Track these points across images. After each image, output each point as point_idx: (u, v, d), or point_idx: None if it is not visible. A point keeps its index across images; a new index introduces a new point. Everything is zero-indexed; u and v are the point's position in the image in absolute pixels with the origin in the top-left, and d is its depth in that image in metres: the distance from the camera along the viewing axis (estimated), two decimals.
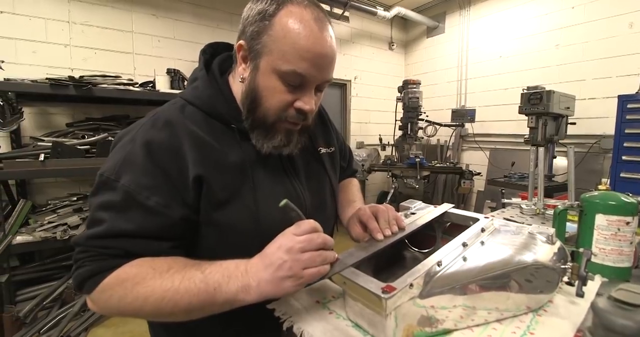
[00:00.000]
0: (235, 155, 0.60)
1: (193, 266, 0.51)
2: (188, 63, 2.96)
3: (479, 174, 3.49)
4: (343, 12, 3.60)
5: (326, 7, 3.52)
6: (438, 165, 3.50)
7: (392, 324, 0.48)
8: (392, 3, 4.05)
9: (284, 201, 0.51)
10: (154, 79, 2.54)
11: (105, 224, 0.51)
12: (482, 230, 0.64)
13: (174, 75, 2.63)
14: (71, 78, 2.10)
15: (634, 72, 2.54)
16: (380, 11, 3.85)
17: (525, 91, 2.52)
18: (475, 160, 3.90)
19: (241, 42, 0.58)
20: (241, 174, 0.60)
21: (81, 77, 2.18)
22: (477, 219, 0.69)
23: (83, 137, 2.25)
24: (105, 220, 0.52)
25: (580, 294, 0.59)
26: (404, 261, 0.77)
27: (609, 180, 2.38)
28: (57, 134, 2.30)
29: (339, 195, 0.86)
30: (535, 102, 2.49)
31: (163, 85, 2.54)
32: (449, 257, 0.55)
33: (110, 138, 2.24)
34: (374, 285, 0.45)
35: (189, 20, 2.99)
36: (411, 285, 0.46)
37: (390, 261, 0.75)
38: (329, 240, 0.51)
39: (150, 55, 2.81)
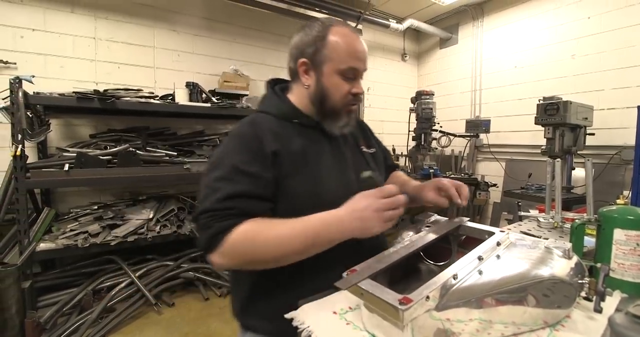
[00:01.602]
0: (297, 142, 0.80)
1: (295, 220, 0.68)
2: (206, 76, 3.07)
3: (494, 185, 3.43)
4: (356, 25, 3.67)
5: None
6: (452, 176, 3.46)
7: (408, 336, 0.49)
8: (405, 15, 4.11)
9: (368, 173, 0.76)
10: (174, 92, 2.64)
11: (222, 191, 0.69)
12: (498, 244, 0.65)
13: (193, 88, 2.72)
14: (96, 91, 2.21)
15: None
16: (392, 24, 3.91)
17: (541, 102, 2.52)
18: (490, 171, 3.84)
19: (303, 59, 0.81)
20: (302, 156, 0.79)
21: (105, 90, 2.29)
22: (493, 233, 0.70)
23: (105, 148, 2.34)
24: (221, 188, 0.69)
25: (598, 310, 0.58)
26: (419, 274, 0.78)
27: (630, 192, 2.31)
28: (81, 144, 2.41)
29: (392, 181, 1.07)
30: (551, 112, 2.47)
31: (182, 98, 2.63)
32: (464, 270, 0.56)
33: (131, 149, 2.33)
34: (391, 296, 0.46)
35: (207, 35, 3.11)
36: (427, 297, 0.48)
37: (406, 273, 0.76)
38: (401, 200, 0.67)
39: (171, 69, 2.93)
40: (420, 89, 3.47)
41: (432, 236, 0.69)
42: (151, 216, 2.43)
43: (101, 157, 2.22)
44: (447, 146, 3.75)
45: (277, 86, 0.92)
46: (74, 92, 2.19)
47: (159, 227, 2.40)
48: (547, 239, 0.70)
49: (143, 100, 2.39)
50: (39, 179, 2.02)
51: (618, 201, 0.77)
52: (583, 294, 0.61)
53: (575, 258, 0.64)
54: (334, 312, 0.61)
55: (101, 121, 2.66)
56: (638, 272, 0.71)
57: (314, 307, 0.63)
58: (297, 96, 0.87)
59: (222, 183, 0.70)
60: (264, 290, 0.78)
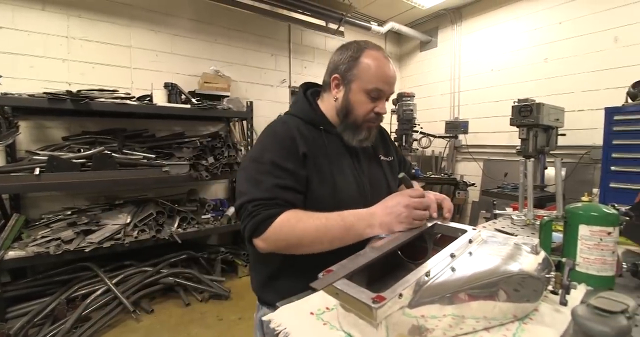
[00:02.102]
0: (321, 148, 0.89)
1: (331, 213, 0.76)
2: (186, 77, 3.01)
3: (473, 184, 3.53)
4: (338, 27, 3.70)
5: (321, 23, 3.63)
6: (433, 176, 3.54)
7: (383, 334, 0.50)
8: (386, 18, 4.18)
9: (402, 174, 0.83)
10: (152, 93, 2.58)
11: (266, 183, 0.78)
12: (470, 241, 0.67)
13: (172, 89, 2.66)
14: (69, 92, 2.13)
15: (620, 85, 2.62)
16: (374, 26, 3.97)
17: (516, 104, 2.61)
18: (469, 171, 3.95)
19: (336, 75, 0.90)
20: (326, 160, 0.88)
21: (79, 91, 2.21)
22: (466, 231, 0.72)
23: (79, 151, 2.26)
24: (264, 180, 0.79)
25: (563, 303, 0.61)
26: (397, 272, 0.79)
27: (599, 190, 2.43)
28: (53, 147, 2.31)
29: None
30: (525, 114, 2.57)
31: (160, 99, 2.57)
32: (437, 267, 0.57)
33: (107, 151, 2.25)
34: (364, 295, 0.47)
35: (187, 35, 3.06)
36: (400, 295, 0.48)
37: (383, 272, 0.77)
38: (432, 203, 0.78)
39: (149, 70, 2.86)
40: (402, 91, 3.53)
41: (407, 235, 0.70)
42: (128, 221, 2.36)
43: (74, 161, 2.14)
44: (427, 147, 3.84)
45: (309, 91, 1.00)
46: (44, 93, 2.10)
47: (136, 232, 2.33)
48: (520, 235, 0.72)
49: (119, 101, 2.33)
50: (6, 184, 1.93)
51: (583, 199, 0.80)
52: (550, 287, 0.64)
53: (542, 253, 0.67)
54: (311, 313, 0.61)
55: (75, 123, 2.57)
56: (602, 266, 0.74)
57: (291, 309, 0.63)
58: (326, 105, 0.95)
59: (264, 176, 0.79)
60: (285, 273, 0.87)
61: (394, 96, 3.57)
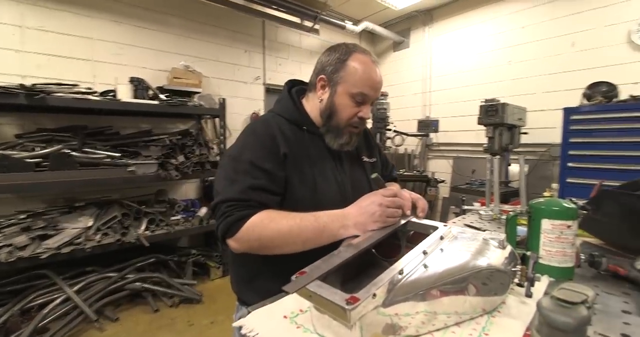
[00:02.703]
0: (303, 149, 0.87)
1: (305, 214, 0.76)
2: (153, 72, 2.87)
3: (443, 181, 3.65)
4: (313, 25, 3.68)
5: (296, 20, 3.60)
6: (406, 173, 3.62)
7: (357, 334, 0.49)
8: (361, 18, 4.21)
9: (374, 175, 0.83)
10: (116, 88, 2.43)
11: (241, 183, 0.77)
12: (441, 238, 0.68)
13: (138, 84, 2.52)
14: (22, 86, 1.96)
15: (577, 86, 2.80)
16: (348, 25, 3.98)
17: (483, 104, 2.72)
18: (439, 168, 4.08)
19: (322, 76, 0.89)
20: (308, 161, 0.87)
21: (34, 85, 2.04)
22: (437, 227, 0.73)
23: (33, 150, 2.09)
24: (240, 180, 0.78)
25: (529, 295, 0.63)
26: (371, 270, 0.79)
27: (558, 185, 2.59)
28: (5, 146, 2.12)
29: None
30: (492, 113, 2.68)
31: (126, 94, 2.43)
32: (410, 265, 0.57)
33: (65, 150, 2.10)
34: (338, 297, 0.46)
35: (154, 27, 2.91)
36: (374, 295, 0.48)
37: (358, 270, 0.77)
38: (404, 201, 0.79)
39: (112, 63, 2.70)
40: None
41: (380, 234, 0.70)
42: (90, 224, 2.21)
43: (28, 160, 1.98)
44: (400, 145, 3.91)
45: (294, 89, 0.98)
46: None
47: (99, 236, 2.19)
48: (487, 230, 0.75)
49: (79, 96, 2.17)
50: None
51: (545, 194, 0.84)
52: (516, 280, 0.66)
53: (508, 248, 0.69)
54: (285, 316, 0.60)
55: (29, 119, 2.37)
56: (563, 258, 0.78)
57: (264, 313, 0.61)
58: (311, 105, 0.94)
59: (241, 176, 0.79)
60: (265, 273, 0.86)
61: None
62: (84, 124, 2.48)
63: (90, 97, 2.22)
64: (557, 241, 0.78)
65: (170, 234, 2.52)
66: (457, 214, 3.62)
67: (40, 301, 2.01)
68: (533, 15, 3.18)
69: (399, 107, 4.43)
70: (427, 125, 3.76)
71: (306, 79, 1.04)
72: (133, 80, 2.53)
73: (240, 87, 3.52)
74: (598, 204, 0.99)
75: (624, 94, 2.41)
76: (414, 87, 4.33)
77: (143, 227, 2.42)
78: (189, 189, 3.22)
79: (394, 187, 1.11)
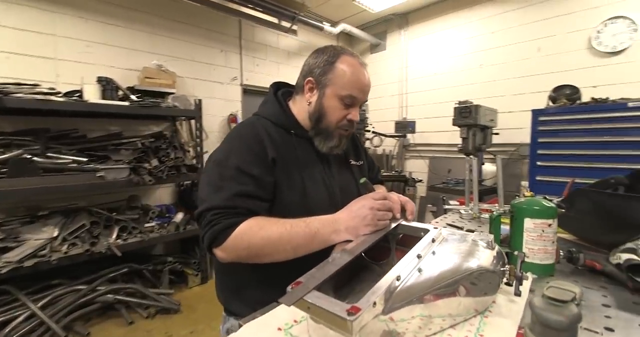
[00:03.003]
0: (291, 153, 0.86)
1: (295, 220, 0.73)
2: (123, 71, 2.73)
3: (420, 181, 3.75)
4: (291, 26, 3.66)
5: (274, 20, 3.56)
6: (384, 173, 3.67)
7: None
8: (338, 19, 4.23)
9: (363, 179, 0.84)
10: (82, 88, 2.29)
11: (228, 190, 0.74)
12: (433, 240, 0.68)
13: (107, 84, 2.38)
14: None
15: (543, 89, 2.96)
16: (326, 26, 3.99)
17: (457, 105, 2.82)
18: (416, 168, 4.17)
19: (310, 78, 0.88)
20: (296, 165, 0.85)
21: None
22: (428, 230, 0.73)
23: None
24: (226, 187, 0.75)
25: (518, 294, 0.65)
26: (362, 274, 0.78)
27: (528, 183, 2.72)
28: None
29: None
30: (465, 115, 2.77)
31: (93, 95, 2.29)
32: (406, 270, 0.57)
33: (26, 155, 1.94)
34: (338, 308, 0.44)
35: (124, 24, 2.77)
36: (374, 303, 0.47)
37: (349, 275, 0.76)
38: (393, 204, 0.77)
39: (77, 62, 2.54)
40: None
41: (373, 238, 0.69)
42: (55, 234, 2.06)
43: None
44: (379, 146, 3.97)
45: (280, 91, 0.96)
46: None
47: (66, 246, 2.05)
48: (471, 230, 0.76)
49: (41, 97, 2.02)
50: None
51: (526, 194, 0.87)
52: (504, 280, 0.68)
53: (496, 248, 0.71)
54: (279, 329, 0.57)
55: None
56: (544, 255, 0.81)
57: (256, 326, 0.58)
58: (298, 108, 0.92)
59: (227, 182, 0.76)
60: (254, 282, 0.84)
61: None
62: (46, 127, 2.31)
63: (53, 98, 2.07)
64: (539, 239, 0.81)
65: (144, 242, 2.40)
66: (433, 213, 3.71)
67: (1, 319, 1.84)
68: (502, 21, 3.33)
69: (377, 109, 4.49)
70: (404, 127, 3.83)
71: (287, 81, 1.02)
72: (101, 80, 2.38)
73: (216, 88, 3.43)
74: (572, 202, 1.04)
75: (585, 97, 2.57)
76: (391, 89, 4.41)
77: (114, 235, 2.28)
78: (163, 194, 3.09)
79: (381, 190, 1.11)
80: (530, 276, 0.79)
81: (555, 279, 0.81)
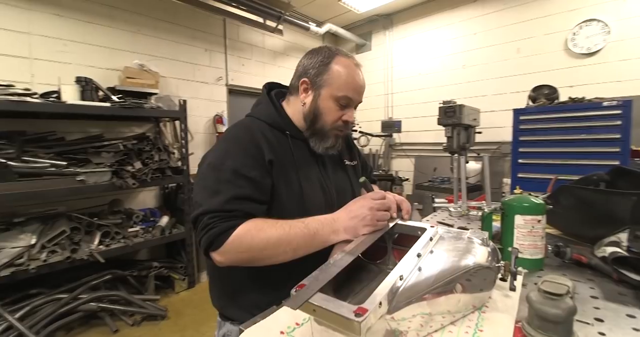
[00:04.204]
0: (287, 154, 0.85)
1: (294, 220, 0.73)
2: (103, 71, 2.64)
3: (407, 179, 3.80)
4: (277, 26, 3.63)
5: (260, 20, 3.52)
6: (373, 173, 3.70)
7: None
8: (324, 20, 4.23)
9: (362, 178, 0.83)
10: (59, 89, 2.19)
11: (225, 193, 0.73)
12: (431, 239, 0.69)
13: (86, 85, 2.30)
14: None
15: (523, 89, 3.06)
16: (312, 26, 3.98)
17: (441, 105, 2.87)
18: (403, 167, 4.23)
19: (305, 79, 0.87)
20: (293, 166, 0.85)
21: None
22: (425, 229, 0.74)
23: None
24: (223, 190, 0.73)
25: (513, 289, 0.66)
26: (360, 274, 0.78)
27: (510, 180, 2.80)
28: None
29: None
30: (450, 114, 2.83)
31: (71, 95, 2.20)
32: (407, 269, 0.57)
33: (0, 160, 1.85)
34: (345, 309, 0.44)
35: (103, 23, 2.68)
36: (380, 303, 0.47)
37: (348, 275, 0.75)
38: (392, 203, 0.79)
39: (54, 61, 2.43)
40: None
41: (372, 238, 0.70)
42: (33, 242, 1.97)
43: None
44: (366, 145, 4.00)
45: (273, 92, 0.95)
46: None
47: (45, 254, 1.96)
48: (464, 228, 0.77)
49: (15, 98, 1.93)
50: None
51: (515, 191, 0.90)
52: (499, 275, 0.69)
53: (491, 244, 0.72)
54: (282, 332, 0.56)
55: None
56: (534, 250, 0.84)
57: (258, 331, 0.57)
58: (293, 109, 0.92)
59: (223, 186, 0.74)
60: (250, 286, 0.82)
61: None
62: (21, 130, 2.20)
63: (29, 99, 1.98)
64: (529, 235, 0.84)
65: (128, 247, 2.33)
66: (420, 210, 3.76)
67: None
68: (484, 23, 3.43)
69: (363, 109, 4.52)
70: (390, 126, 3.88)
71: (274, 81, 1.01)
72: (80, 80, 2.30)
73: (201, 88, 3.37)
74: (556, 198, 1.08)
75: (563, 96, 2.67)
76: (377, 89, 4.45)
77: (96, 241, 2.20)
78: (147, 198, 3.00)
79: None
80: (521, 270, 0.81)
81: (545, 273, 0.84)
